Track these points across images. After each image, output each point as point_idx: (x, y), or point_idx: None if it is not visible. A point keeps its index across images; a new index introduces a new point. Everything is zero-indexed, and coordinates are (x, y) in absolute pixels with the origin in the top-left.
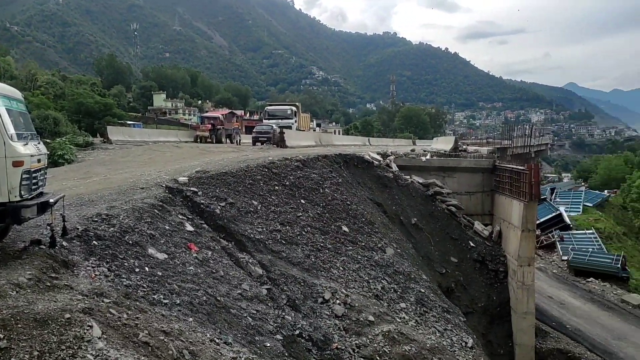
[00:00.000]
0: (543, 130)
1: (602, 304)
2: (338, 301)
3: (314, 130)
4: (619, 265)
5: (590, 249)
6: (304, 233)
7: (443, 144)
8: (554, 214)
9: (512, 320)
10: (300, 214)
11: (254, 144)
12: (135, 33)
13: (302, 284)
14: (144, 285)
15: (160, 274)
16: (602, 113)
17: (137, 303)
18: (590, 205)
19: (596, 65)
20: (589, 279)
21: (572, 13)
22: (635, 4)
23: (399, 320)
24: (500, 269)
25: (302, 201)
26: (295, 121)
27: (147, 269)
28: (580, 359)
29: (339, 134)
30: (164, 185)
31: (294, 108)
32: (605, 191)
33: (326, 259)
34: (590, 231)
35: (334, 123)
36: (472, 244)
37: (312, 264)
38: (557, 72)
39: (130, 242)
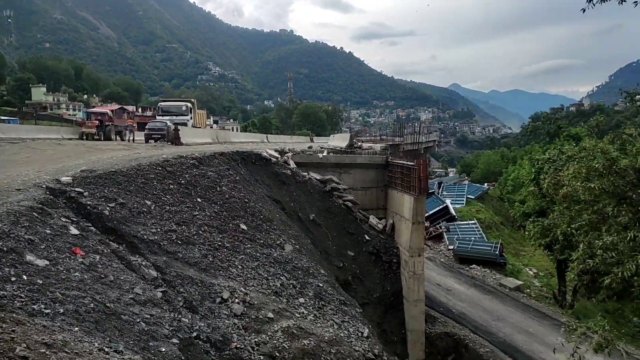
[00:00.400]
0: (431, 128)
1: (483, 288)
2: (237, 300)
3: (211, 127)
4: (497, 252)
5: (473, 238)
6: (200, 232)
7: (339, 141)
8: (441, 207)
9: (404, 308)
10: (197, 213)
11: (147, 141)
12: (9, 20)
13: (200, 284)
14: (22, 295)
15: (40, 282)
16: (482, 112)
17: (14, 315)
18: (473, 197)
19: (477, 68)
20: (472, 266)
21: (457, 18)
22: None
23: (298, 315)
24: (393, 260)
25: (199, 200)
26: (191, 118)
27: (25, 277)
28: (465, 340)
29: (237, 131)
30: (44, 186)
31: (189, 104)
32: (485, 184)
33: (224, 258)
34: (473, 221)
35: (231, 120)
36: (367, 238)
37: (209, 264)
38: (442, 73)
39: (5, 249)
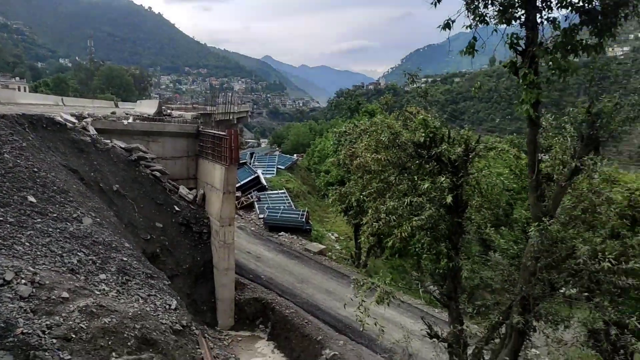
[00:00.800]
0: (244, 98)
1: (290, 254)
2: (24, 281)
3: None
4: (303, 220)
5: (282, 207)
6: None
7: (147, 107)
8: (252, 177)
9: (215, 278)
10: None
11: None
12: None
13: None
14: None
15: None
16: (292, 86)
17: None
18: (283, 168)
19: (288, 42)
20: (281, 233)
21: None
22: None
23: (98, 292)
24: (204, 230)
25: None
26: None
27: None
28: (272, 303)
29: (25, 91)
30: None
31: None
32: (295, 155)
33: (7, 235)
34: (282, 191)
35: (17, 78)
36: (177, 208)
37: None
38: (256, 45)
39: None
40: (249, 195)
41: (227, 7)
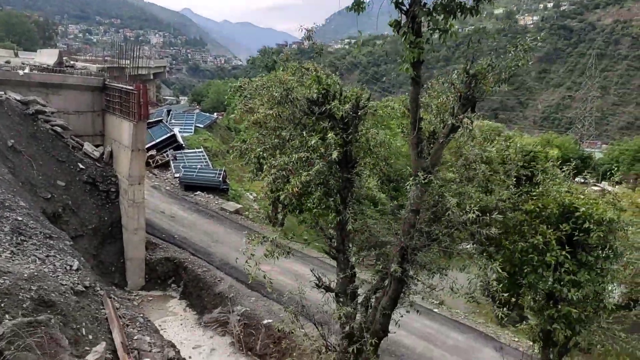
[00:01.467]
0: (162, 53)
1: (206, 213)
2: None
3: None
4: (220, 179)
5: (199, 166)
6: None
7: (47, 57)
8: (168, 135)
9: (124, 238)
10: None
11: None
12: None
13: None
14: None
15: None
16: (214, 42)
17: None
18: (202, 126)
19: None
20: (197, 193)
21: None
22: None
23: None
24: (111, 189)
25: None
26: None
27: None
28: (184, 262)
29: None
30: None
31: None
32: (215, 114)
33: None
34: (200, 150)
35: None
36: (81, 166)
37: None
38: None
39: None
40: (164, 154)
41: None
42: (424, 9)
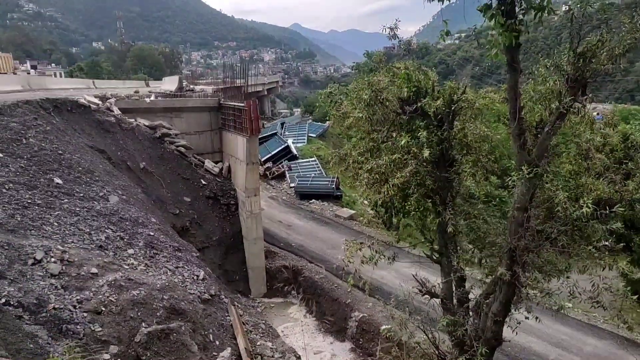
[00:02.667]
0: (275, 69)
1: (321, 220)
2: (53, 259)
3: (27, 74)
4: (333, 186)
5: (313, 175)
6: (4, 191)
7: (169, 84)
8: (283, 146)
9: (245, 248)
10: None
11: None
12: None
13: (7, 247)
14: None
15: None
16: (322, 52)
17: None
18: (314, 136)
19: (315, 8)
20: (312, 201)
21: None
22: None
23: (126, 267)
24: (231, 202)
25: (0, 155)
26: None
27: None
28: (302, 269)
29: (61, 76)
30: None
31: None
32: (327, 122)
33: (36, 216)
34: (313, 159)
35: (53, 65)
36: (203, 182)
37: (17, 224)
38: (283, 13)
39: None
40: (279, 165)
41: None
42: None
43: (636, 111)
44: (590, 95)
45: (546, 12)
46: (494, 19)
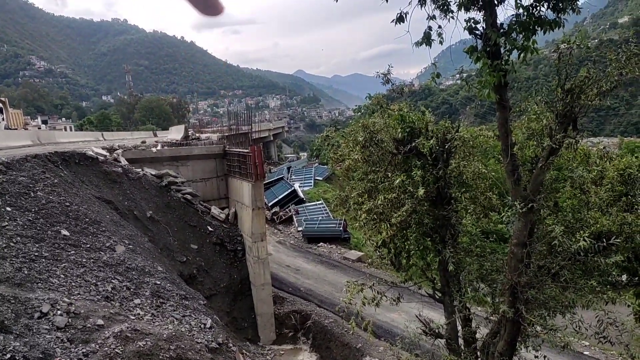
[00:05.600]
0: (280, 114)
1: (329, 263)
2: (59, 312)
3: (39, 129)
4: (341, 229)
5: (320, 218)
6: (12, 244)
7: (174, 133)
8: (289, 191)
9: (253, 294)
10: (6, 223)
11: None
12: None
13: (13, 301)
14: None
15: None
16: (327, 96)
17: None
18: (321, 179)
19: (318, 54)
20: (319, 244)
21: (293, 8)
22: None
23: (133, 317)
24: (238, 248)
25: (8, 209)
26: (3, 119)
27: None
28: (311, 314)
29: (71, 130)
30: None
31: None
32: (329, 164)
33: (43, 269)
34: (320, 202)
35: (64, 119)
36: (210, 229)
37: (25, 277)
38: (287, 60)
39: None
40: (287, 210)
41: (256, 27)
42: (500, 31)
43: None
44: (584, 131)
45: (530, 52)
46: (479, 61)
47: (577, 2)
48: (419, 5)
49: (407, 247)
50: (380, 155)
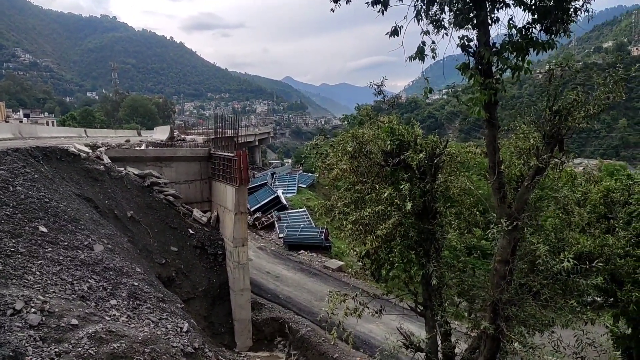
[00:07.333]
0: (266, 120)
1: (309, 272)
2: (33, 309)
3: (20, 122)
4: (322, 237)
5: (302, 225)
6: None
7: (160, 133)
8: (272, 197)
9: (231, 299)
10: None
11: None
12: None
13: None
14: None
15: None
16: (314, 104)
17: None
18: (304, 186)
19: (308, 62)
20: (300, 252)
21: (285, 14)
22: (333, 13)
23: (108, 318)
24: (219, 252)
25: None
26: None
27: None
28: (289, 322)
29: (54, 125)
30: None
31: None
32: (316, 173)
33: (18, 265)
34: (302, 209)
35: (46, 113)
36: (191, 231)
37: None
38: (276, 66)
39: None
40: (269, 215)
41: (246, 31)
42: (493, 49)
43: (621, 167)
44: (570, 152)
45: (523, 71)
46: (472, 79)
47: (569, 25)
48: (415, 20)
49: (391, 259)
50: (368, 167)
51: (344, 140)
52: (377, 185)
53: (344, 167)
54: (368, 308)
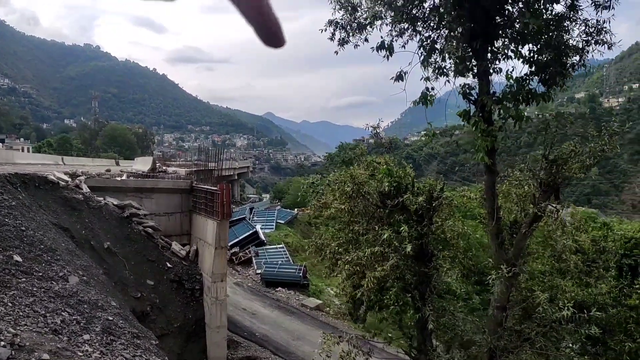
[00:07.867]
0: (246, 154)
1: (287, 309)
2: (3, 343)
3: None
4: (300, 275)
5: (280, 262)
6: None
7: (142, 164)
8: (250, 232)
9: (206, 336)
10: None
11: None
12: None
13: None
14: None
15: None
16: (294, 141)
17: None
18: (283, 222)
19: (289, 99)
20: (278, 289)
21: (269, 52)
22: (316, 53)
23: (80, 354)
24: (196, 287)
25: None
26: None
27: None
28: None
29: (29, 151)
30: None
31: None
32: (295, 209)
33: None
34: (281, 246)
35: (22, 139)
36: (169, 265)
37: None
38: (258, 101)
39: None
40: (247, 251)
41: (230, 67)
42: (493, 98)
43: (594, 214)
44: (566, 200)
45: (524, 120)
46: (475, 126)
47: (566, 79)
48: (422, 68)
49: (384, 301)
50: (364, 207)
51: (341, 180)
52: (376, 227)
53: (342, 207)
54: (362, 352)
